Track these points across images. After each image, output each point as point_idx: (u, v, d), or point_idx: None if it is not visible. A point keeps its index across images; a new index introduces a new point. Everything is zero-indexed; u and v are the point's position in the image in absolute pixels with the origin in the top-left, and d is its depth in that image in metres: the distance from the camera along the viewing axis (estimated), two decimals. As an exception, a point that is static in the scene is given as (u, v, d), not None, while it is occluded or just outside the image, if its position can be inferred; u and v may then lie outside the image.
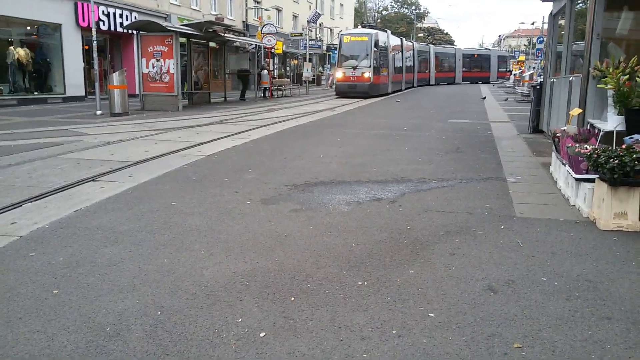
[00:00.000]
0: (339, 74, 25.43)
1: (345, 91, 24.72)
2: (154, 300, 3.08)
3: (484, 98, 24.00)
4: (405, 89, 34.25)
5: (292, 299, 3.10)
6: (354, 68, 24.78)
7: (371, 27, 27.97)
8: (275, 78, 29.47)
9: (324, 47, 46.64)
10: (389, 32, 29.87)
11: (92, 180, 6.29)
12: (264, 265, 3.63)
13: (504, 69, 55.07)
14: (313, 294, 3.17)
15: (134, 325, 2.78)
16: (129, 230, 4.39)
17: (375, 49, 25.22)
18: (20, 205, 5.17)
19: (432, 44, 56.87)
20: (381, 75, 26.31)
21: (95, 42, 15.39)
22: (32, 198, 5.45)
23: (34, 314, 2.91)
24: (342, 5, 52.75)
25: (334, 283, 3.33)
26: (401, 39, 33.94)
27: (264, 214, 4.88)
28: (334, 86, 28.45)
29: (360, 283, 3.33)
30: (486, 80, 51.44)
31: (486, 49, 59.32)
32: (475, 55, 53.98)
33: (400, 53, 32.32)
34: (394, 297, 3.12)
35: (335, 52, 30.58)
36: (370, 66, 24.82)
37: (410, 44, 38.15)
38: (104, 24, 21.17)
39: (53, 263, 3.66)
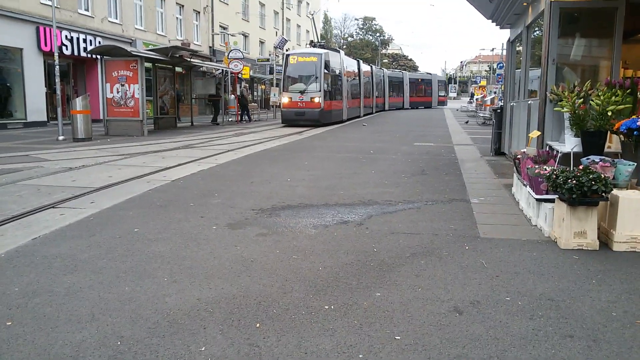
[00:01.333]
0: (284, 99, 21.66)
1: (292, 119, 21.33)
2: (114, 330, 2.98)
3: (467, 122, 24.79)
4: (365, 115, 31.61)
5: (258, 325, 3.05)
6: (302, 92, 21.29)
7: (322, 47, 24.61)
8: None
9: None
10: (342, 52, 26.84)
11: (52, 207, 6.10)
12: (229, 291, 3.56)
13: (443, 94, 54.45)
14: (279, 319, 3.12)
15: (92, 356, 2.68)
16: (90, 257, 4.26)
17: (326, 71, 21.90)
18: (-26, 234, 4.97)
19: (397, 69, 57.65)
20: (334, 100, 22.98)
21: (57, 66, 15.15)
22: (-13, 226, 5.25)
23: (-15, 348, 2.77)
24: (307, 31, 53.53)
25: (300, 308, 3.29)
26: (358, 61, 31.01)
27: (230, 239, 4.81)
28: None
29: (326, 307, 3.30)
30: (428, 105, 50.18)
31: (427, 73, 55.95)
32: (420, 80, 51.47)
33: (358, 77, 29.55)
34: (360, 321, 3.10)
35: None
36: (320, 90, 21.36)
37: (369, 67, 35.23)
38: (67, 49, 20.87)
39: (7, 293, 3.51)
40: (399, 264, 4.13)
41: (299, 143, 14.46)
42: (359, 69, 29.98)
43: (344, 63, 25.70)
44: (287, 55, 22.82)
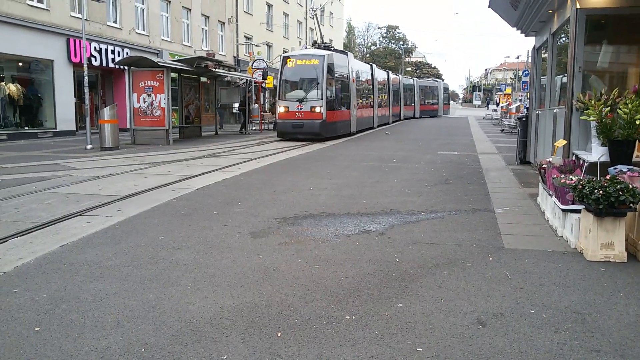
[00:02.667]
0: (280, 108, 18.62)
1: (288, 131, 18.41)
2: (138, 337, 3.03)
3: (503, 130, 24.36)
4: (380, 125, 28.32)
5: (279, 334, 3.06)
6: (301, 101, 18.24)
7: (326, 48, 21.21)
8: (266, 112, 29.75)
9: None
10: (350, 55, 23.03)
11: (80, 215, 6.24)
12: (251, 300, 3.59)
13: (447, 102, 51.70)
14: (300, 329, 3.13)
15: (116, 363, 2.73)
16: (115, 265, 4.34)
17: (329, 76, 18.74)
18: (6, 241, 5.11)
19: (420, 77, 57.12)
20: (340, 110, 19.83)
21: (86, 77, 15.54)
22: (18, 233, 5.39)
23: (14, 352, 2.84)
24: (331, 40, 53.77)
25: (321, 317, 3.29)
26: (371, 66, 27.51)
27: (253, 248, 4.85)
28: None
29: (348, 317, 3.30)
30: (434, 114, 47.05)
31: (434, 79, 52.69)
32: (428, 87, 47.82)
33: (371, 84, 26.26)
34: (382, 332, 3.09)
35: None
36: (322, 98, 18.18)
37: (384, 73, 32.00)
38: (95, 60, 21.38)
39: (36, 299, 3.60)
40: (422, 275, 4.10)
41: (322, 152, 14.49)
42: (372, 74, 26.85)
43: (353, 67, 22.32)
44: (284, 57, 19.38)
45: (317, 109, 18.17)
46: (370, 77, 26.12)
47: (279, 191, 7.83)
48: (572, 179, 5.02)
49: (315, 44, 22.43)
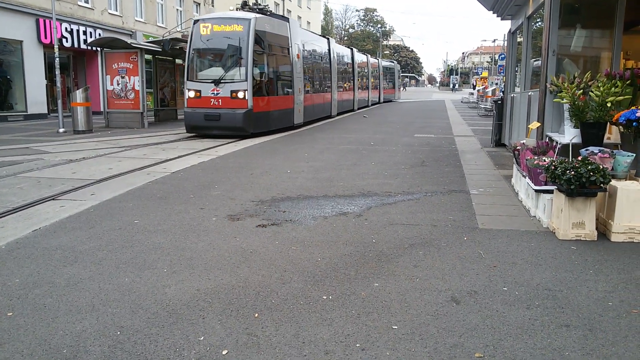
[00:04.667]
0: (190, 93, 13.62)
1: (200, 125, 13.51)
2: (114, 320, 3.00)
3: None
4: (340, 113, 23.03)
5: (256, 315, 3.07)
6: (217, 83, 13.32)
7: (260, 11, 15.34)
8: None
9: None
10: (293, 21, 17.14)
11: (53, 199, 6.13)
12: (228, 281, 3.59)
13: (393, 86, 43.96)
14: (277, 309, 3.15)
15: (92, 346, 2.71)
16: (90, 249, 4.29)
17: (259, 49, 13.66)
18: (-25, 226, 5.00)
19: (399, 61, 56.77)
20: (275, 96, 14.69)
21: (57, 59, 15.13)
22: (-12, 218, 5.27)
23: (-14, 338, 2.80)
24: (309, 23, 53.37)
25: (298, 298, 3.31)
26: (328, 40, 21.68)
27: (230, 230, 4.83)
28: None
29: (325, 297, 3.32)
30: (390, 98, 41.19)
31: (390, 61, 45.78)
32: (388, 69, 41.38)
33: (328, 61, 21.12)
34: (358, 311, 3.13)
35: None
36: (246, 79, 13.21)
37: (348, 50, 26.68)
38: (67, 41, 20.80)
39: (8, 284, 3.54)
40: (398, 255, 4.15)
41: (298, 135, 14.44)
42: (329, 49, 21.27)
43: (297, 38, 16.51)
44: (196, 23, 14.05)
45: (240, 94, 13.14)
46: (326, 52, 21.08)
47: (256, 174, 7.80)
48: (545, 160, 5.11)
49: (245, 6, 15.88)
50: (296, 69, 16.17)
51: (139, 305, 3.21)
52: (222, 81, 13.33)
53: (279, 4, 46.74)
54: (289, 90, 15.76)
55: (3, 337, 2.81)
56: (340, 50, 24.51)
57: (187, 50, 13.92)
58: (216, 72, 13.62)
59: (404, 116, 23.47)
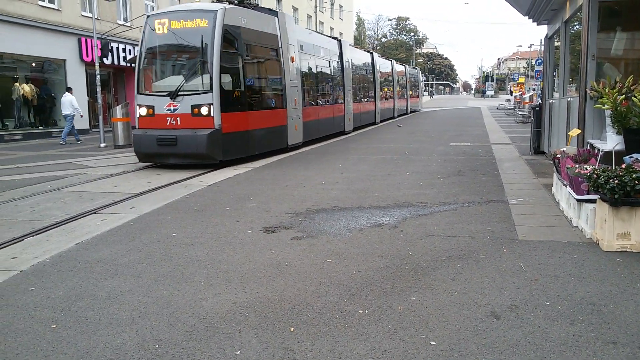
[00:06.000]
0: (140, 109, 10.53)
1: (151, 152, 10.38)
2: (152, 333, 3.05)
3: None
4: (355, 128, 19.22)
5: (292, 329, 3.06)
6: (173, 96, 10.16)
7: (240, 3, 12.17)
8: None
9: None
10: (286, 15, 13.42)
11: (94, 213, 6.30)
12: (264, 295, 3.60)
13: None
14: (313, 323, 3.13)
15: (131, 359, 2.75)
16: (129, 262, 4.38)
17: (229, 49, 10.46)
18: (22, 240, 5.19)
19: (432, 69, 56.19)
20: (255, 111, 11.34)
21: (98, 76, 15.64)
22: (33, 232, 5.47)
23: (31, 349, 2.88)
24: (341, 33, 53.58)
25: (334, 312, 3.29)
26: (339, 42, 18.10)
27: (265, 243, 4.86)
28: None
29: (361, 311, 3.29)
30: (415, 109, 35.71)
31: (414, 67, 41.84)
32: (411, 75, 35.56)
33: (340, 66, 17.65)
34: (395, 325, 3.08)
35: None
36: (211, 89, 10.05)
37: (367, 55, 23.21)
38: (107, 59, 21.49)
39: (52, 297, 3.64)
40: (435, 268, 4.08)
41: (334, 145, 14.44)
42: (340, 53, 17.72)
43: (291, 37, 13.06)
44: (149, 18, 10.86)
45: (204, 110, 9.93)
46: (338, 55, 17.64)
47: (291, 186, 7.83)
48: (586, 169, 4.95)
49: None
50: (290, 76, 12.72)
51: (177, 318, 3.25)
52: (180, 93, 10.05)
53: (311, 16, 47.15)
54: (279, 102, 12.35)
55: (47, 349, 2.89)
56: (358, 55, 21.45)
57: (138, 55, 10.84)
58: (174, 81, 10.34)
59: (438, 125, 23.20)
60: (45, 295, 3.68)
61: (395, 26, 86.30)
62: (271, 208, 6.29)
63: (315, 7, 46.79)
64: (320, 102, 15.70)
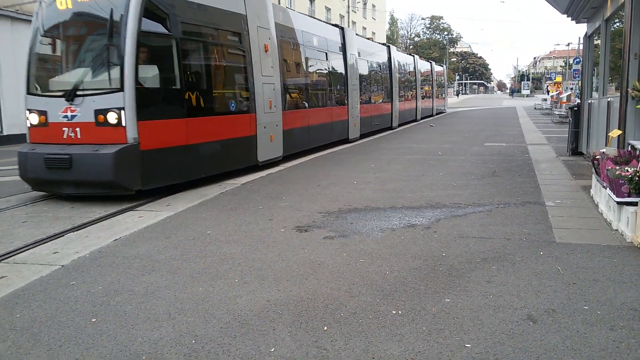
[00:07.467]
0: (31, 116, 7.33)
1: (40, 177, 7.21)
2: (189, 328, 3.11)
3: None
4: (362, 135, 16.15)
5: (325, 328, 3.08)
6: (69, 97, 6.98)
7: None
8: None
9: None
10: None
11: (132, 210, 6.46)
12: (297, 293, 3.63)
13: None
14: (346, 323, 3.14)
15: (168, 354, 2.82)
16: (166, 258, 4.47)
17: (159, 29, 7.31)
18: (63, 235, 5.36)
19: (466, 68, 55.11)
20: (199, 117, 7.93)
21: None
22: (74, 228, 5.65)
23: (73, 342, 2.98)
24: (374, 33, 53.35)
25: (367, 312, 3.29)
26: (342, 30, 15.05)
27: (298, 242, 4.89)
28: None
29: (394, 312, 3.28)
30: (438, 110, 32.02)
31: (430, 60, 34.54)
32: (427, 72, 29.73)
33: (342, 60, 14.70)
34: (429, 327, 3.06)
35: None
36: (122, 87, 6.81)
37: (385, 49, 20.03)
38: None
39: (92, 292, 3.75)
40: (469, 270, 4.04)
41: (368, 144, 14.38)
42: (343, 43, 14.75)
43: (264, 18, 9.89)
44: None
45: (112, 117, 6.92)
46: (342, 45, 14.71)
47: (323, 185, 7.85)
48: (627, 171, 4.81)
49: None
50: (262, 69, 9.57)
51: (212, 314, 3.31)
52: (79, 93, 7.07)
53: (344, 17, 47.10)
54: (242, 105, 9.19)
55: (88, 341, 2.98)
56: (403, 58, 19.65)
57: (30, 39, 7.65)
58: (73, 77, 7.32)
59: (472, 125, 22.85)
60: (85, 290, 3.79)
61: (428, 25, 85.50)
62: (303, 207, 6.32)
63: (348, 7, 46.70)
64: (307, 105, 12.66)
